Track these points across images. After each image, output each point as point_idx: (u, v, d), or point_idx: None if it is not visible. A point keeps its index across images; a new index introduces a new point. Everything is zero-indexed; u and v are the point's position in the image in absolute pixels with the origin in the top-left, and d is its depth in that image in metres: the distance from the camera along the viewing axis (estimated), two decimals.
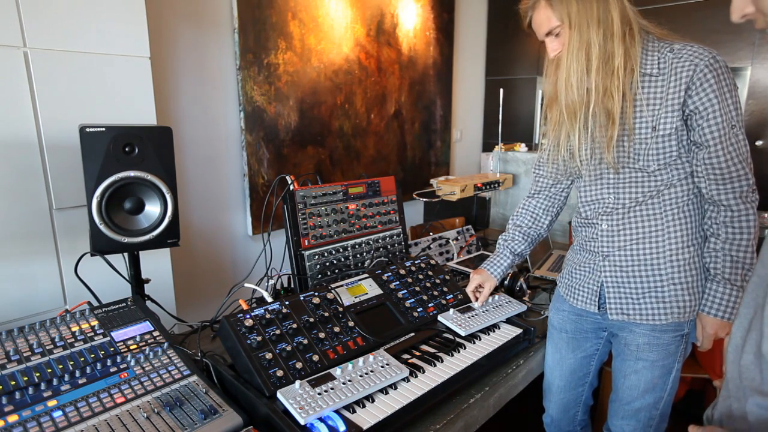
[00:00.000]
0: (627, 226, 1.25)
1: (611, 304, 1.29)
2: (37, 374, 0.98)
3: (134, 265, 1.45)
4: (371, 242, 1.71)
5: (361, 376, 1.08)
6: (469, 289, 1.50)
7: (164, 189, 1.35)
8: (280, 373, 1.06)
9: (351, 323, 1.26)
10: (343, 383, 1.06)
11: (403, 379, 1.13)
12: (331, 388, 1.04)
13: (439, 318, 1.40)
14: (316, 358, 1.13)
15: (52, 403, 0.93)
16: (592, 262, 1.33)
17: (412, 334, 1.33)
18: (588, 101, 1.18)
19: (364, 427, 0.97)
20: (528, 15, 1.24)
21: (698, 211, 1.23)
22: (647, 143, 1.18)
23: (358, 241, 1.68)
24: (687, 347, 1.29)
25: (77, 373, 1.01)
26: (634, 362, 1.30)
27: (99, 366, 1.03)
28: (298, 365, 1.09)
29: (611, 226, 1.27)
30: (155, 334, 1.16)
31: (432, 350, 1.27)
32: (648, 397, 1.30)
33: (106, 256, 1.33)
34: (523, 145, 3.15)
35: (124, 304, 1.22)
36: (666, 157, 1.18)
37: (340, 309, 1.29)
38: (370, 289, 1.42)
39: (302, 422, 0.95)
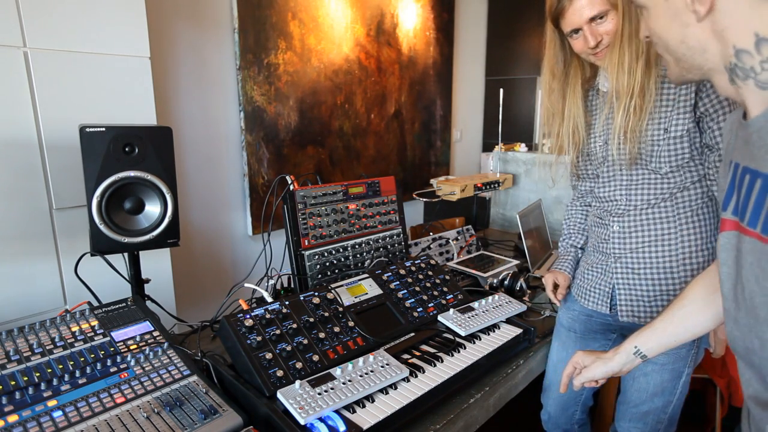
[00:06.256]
0: (639, 229, 1.25)
1: (622, 306, 1.29)
2: (37, 374, 0.98)
3: (134, 265, 1.45)
4: (371, 242, 1.71)
5: (361, 376, 1.08)
6: (548, 291, 1.47)
7: (164, 189, 1.35)
8: (280, 373, 1.06)
9: (351, 323, 1.26)
10: (343, 383, 1.05)
11: (403, 379, 1.13)
12: (331, 388, 1.04)
13: (439, 318, 1.40)
14: (316, 358, 1.13)
15: (52, 403, 0.93)
16: (605, 263, 1.33)
17: (412, 334, 1.33)
18: (633, 90, 1.14)
19: (364, 427, 0.97)
20: (561, 2, 1.14)
21: (713, 214, 1.21)
22: (659, 145, 1.17)
23: (358, 241, 1.67)
24: (699, 352, 1.28)
25: (77, 373, 1.01)
26: (644, 365, 1.28)
27: (99, 366, 1.03)
28: (298, 365, 1.09)
29: (623, 228, 1.27)
30: (155, 334, 1.16)
31: (432, 350, 1.27)
32: (657, 401, 1.29)
33: (106, 256, 1.33)
34: (523, 145, 3.15)
35: (124, 304, 1.22)
36: (678, 159, 1.17)
37: (340, 309, 1.28)
38: (370, 289, 1.42)
39: (302, 422, 0.95)
